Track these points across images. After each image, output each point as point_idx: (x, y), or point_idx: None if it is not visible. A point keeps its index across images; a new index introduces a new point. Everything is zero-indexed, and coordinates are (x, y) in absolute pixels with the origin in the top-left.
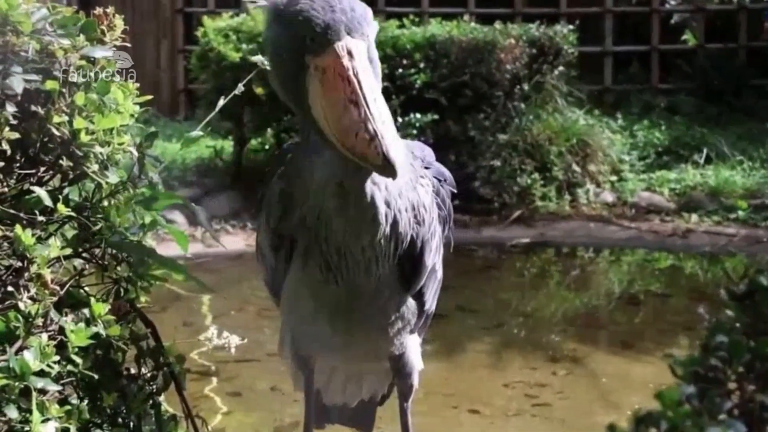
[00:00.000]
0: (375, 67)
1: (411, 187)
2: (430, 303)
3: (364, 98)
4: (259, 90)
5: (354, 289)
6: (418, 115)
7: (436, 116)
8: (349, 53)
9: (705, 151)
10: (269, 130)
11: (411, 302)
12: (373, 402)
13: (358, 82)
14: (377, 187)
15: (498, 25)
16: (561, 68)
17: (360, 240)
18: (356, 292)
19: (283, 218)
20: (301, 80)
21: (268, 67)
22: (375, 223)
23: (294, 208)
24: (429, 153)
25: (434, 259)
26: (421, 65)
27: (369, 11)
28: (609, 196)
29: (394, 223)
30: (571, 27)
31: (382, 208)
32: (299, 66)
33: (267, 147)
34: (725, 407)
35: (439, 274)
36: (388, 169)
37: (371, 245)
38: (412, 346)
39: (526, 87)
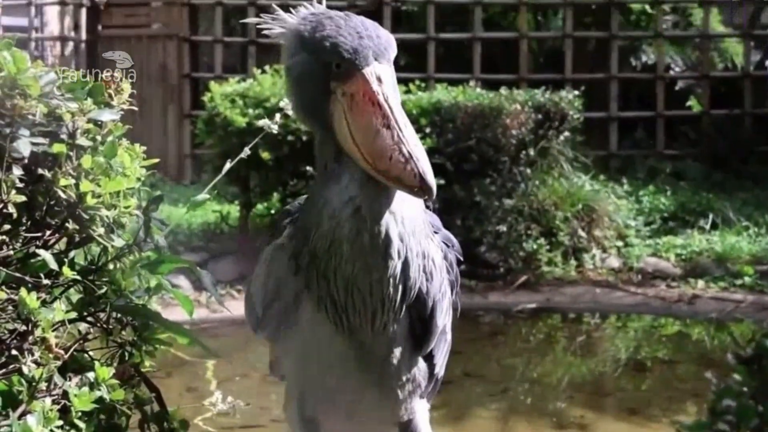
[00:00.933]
0: (396, 93)
1: (424, 235)
2: (440, 366)
3: (396, 122)
4: (265, 155)
5: (364, 345)
6: None
7: (442, 181)
8: (378, 78)
9: (711, 216)
10: (275, 194)
11: (422, 364)
12: None
13: (389, 107)
14: (393, 217)
15: (503, 90)
16: (566, 133)
17: (370, 273)
18: (367, 350)
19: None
20: (325, 106)
21: (274, 130)
22: (387, 255)
23: (305, 241)
24: (435, 219)
25: (445, 320)
26: (427, 130)
27: (392, 38)
28: (615, 262)
29: (405, 264)
30: (576, 93)
31: (395, 241)
32: (324, 92)
33: (273, 212)
34: None
35: (449, 337)
36: (424, 189)
37: (380, 282)
38: (421, 411)
39: (531, 152)
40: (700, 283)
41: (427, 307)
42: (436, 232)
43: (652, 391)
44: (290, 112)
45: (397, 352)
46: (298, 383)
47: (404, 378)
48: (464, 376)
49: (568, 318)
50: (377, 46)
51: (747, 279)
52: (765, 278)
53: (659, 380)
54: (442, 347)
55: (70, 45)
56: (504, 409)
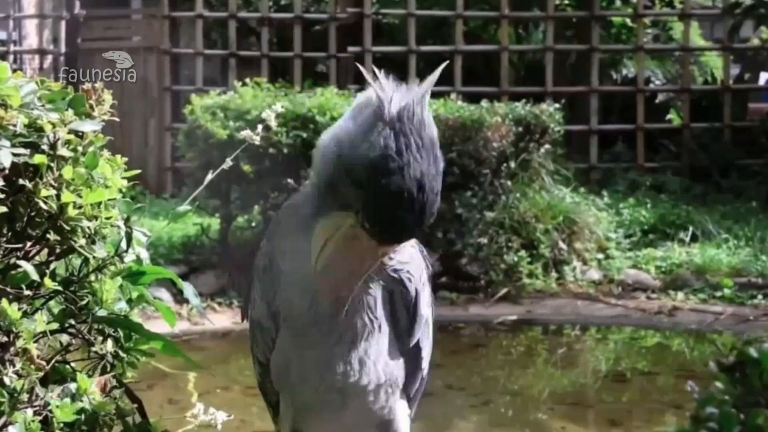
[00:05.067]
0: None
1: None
2: (426, 362)
3: (365, 280)
4: (246, 167)
5: (348, 338)
6: None
7: None
8: (390, 250)
9: (691, 229)
10: (256, 207)
11: (401, 361)
12: None
13: (368, 268)
14: None
15: (485, 103)
16: (547, 146)
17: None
18: (351, 342)
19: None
20: (332, 197)
21: (257, 141)
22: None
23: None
24: None
25: (427, 311)
26: None
27: (437, 201)
28: (595, 274)
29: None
30: (557, 106)
31: None
32: (336, 195)
33: (254, 225)
34: None
35: (431, 332)
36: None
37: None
38: (401, 413)
39: (512, 165)
40: (680, 295)
41: (411, 297)
42: None
43: (633, 402)
44: (272, 124)
45: (384, 344)
46: (286, 392)
47: (384, 372)
48: (445, 389)
49: (548, 330)
50: (411, 225)
51: (726, 291)
52: (744, 290)
53: (640, 392)
54: (426, 342)
55: (49, 58)
56: (485, 421)
